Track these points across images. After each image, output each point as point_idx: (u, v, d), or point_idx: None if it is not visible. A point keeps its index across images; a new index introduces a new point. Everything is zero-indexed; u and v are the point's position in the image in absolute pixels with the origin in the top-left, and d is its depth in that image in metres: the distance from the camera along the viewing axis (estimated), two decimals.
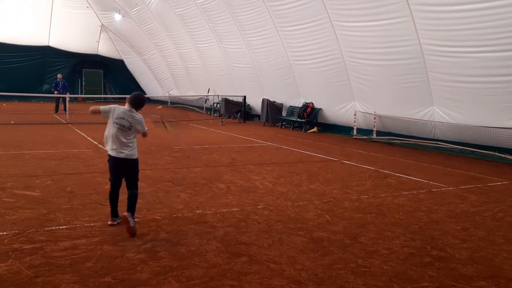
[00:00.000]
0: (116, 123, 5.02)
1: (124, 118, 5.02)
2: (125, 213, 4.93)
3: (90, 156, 9.92)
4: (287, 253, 4.53)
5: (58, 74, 23.39)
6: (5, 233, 4.85)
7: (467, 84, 11.36)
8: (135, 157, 5.15)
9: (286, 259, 4.37)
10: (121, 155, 5.04)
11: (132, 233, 4.86)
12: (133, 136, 5.13)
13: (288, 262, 4.29)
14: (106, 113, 5.09)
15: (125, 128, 5.03)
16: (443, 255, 4.61)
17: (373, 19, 12.79)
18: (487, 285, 3.94)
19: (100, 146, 11.54)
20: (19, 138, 12.51)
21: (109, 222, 5.24)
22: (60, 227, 5.10)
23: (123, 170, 5.17)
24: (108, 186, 7.11)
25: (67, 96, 19.97)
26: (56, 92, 21.98)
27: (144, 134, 5.26)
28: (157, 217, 5.61)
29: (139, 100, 5.22)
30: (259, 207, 6.25)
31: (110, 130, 5.07)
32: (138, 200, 6.31)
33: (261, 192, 7.09)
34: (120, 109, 5.08)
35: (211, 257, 4.37)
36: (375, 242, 4.92)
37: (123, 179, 5.22)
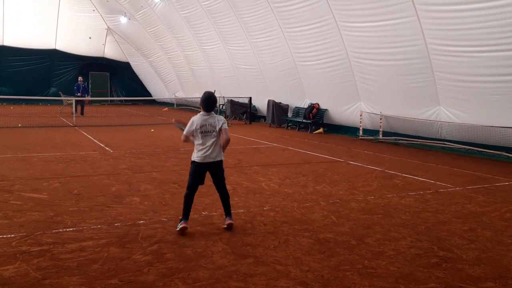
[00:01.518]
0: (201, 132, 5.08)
1: (205, 125, 5.08)
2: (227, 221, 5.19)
3: (97, 159, 9.98)
4: (293, 254, 4.53)
5: (79, 77, 23.42)
6: (13, 235, 4.89)
7: (473, 83, 11.30)
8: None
9: (292, 260, 4.37)
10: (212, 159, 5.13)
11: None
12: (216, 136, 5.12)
13: (294, 264, 4.28)
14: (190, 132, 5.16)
15: (210, 133, 5.08)
16: (450, 256, 4.58)
17: (379, 19, 12.76)
18: (494, 286, 3.92)
19: (107, 148, 11.60)
20: (26, 141, 12.60)
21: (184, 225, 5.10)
22: (67, 229, 5.13)
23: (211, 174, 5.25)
24: (114, 188, 7.18)
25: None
26: (78, 94, 22.13)
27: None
28: (163, 219, 5.63)
29: (208, 101, 5.15)
30: (265, 208, 6.25)
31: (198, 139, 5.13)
32: (144, 202, 6.38)
33: (267, 194, 7.09)
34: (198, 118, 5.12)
35: (217, 258, 4.37)
36: (381, 243, 4.90)
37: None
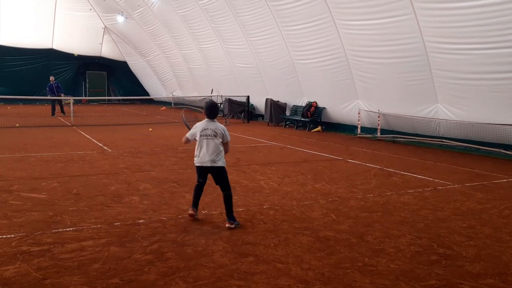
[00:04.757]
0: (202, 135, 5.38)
1: (207, 129, 5.38)
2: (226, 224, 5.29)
3: (96, 158, 9.96)
4: (294, 252, 4.54)
5: (50, 77, 23.11)
6: (12, 235, 4.88)
7: (471, 81, 11.32)
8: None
9: (292, 258, 4.38)
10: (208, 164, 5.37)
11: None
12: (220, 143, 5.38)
13: (294, 262, 4.29)
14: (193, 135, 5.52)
15: (211, 137, 5.34)
16: (449, 253, 4.60)
17: (376, 17, 12.76)
18: (494, 282, 3.93)
19: (105, 147, 11.59)
20: (24, 141, 12.57)
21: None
22: (67, 229, 5.13)
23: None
24: (113, 188, 7.17)
25: (69, 98, 20.06)
26: (50, 95, 22.01)
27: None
28: (163, 218, 5.63)
29: (211, 109, 5.48)
30: (264, 207, 6.25)
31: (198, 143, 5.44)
32: (144, 201, 6.38)
33: (266, 192, 7.09)
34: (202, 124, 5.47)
35: (217, 257, 4.38)
36: (381, 241, 4.92)
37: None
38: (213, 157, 5.29)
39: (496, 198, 6.99)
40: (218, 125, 5.41)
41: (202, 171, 5.45)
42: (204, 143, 5.32)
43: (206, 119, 5.44)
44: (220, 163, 5.34)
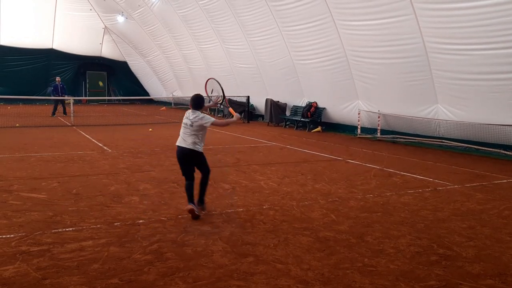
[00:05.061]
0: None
1: (187, 118, 5.89)
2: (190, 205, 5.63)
3: (95, 158, 9.96)
4: (294, 253, 4.53)
5: (57, 78, 23.32)
6: (12, 235, 4.88)
7: (471, 81, 11.31)
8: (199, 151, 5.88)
9: (292, 259, 4.37)
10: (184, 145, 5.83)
11: (195, 216, 5.61)
12: (198, 130, 5.79)
13: (294, 262, 4.29)
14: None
15: (187, 126, 5.84)
16: (449, 253, 4.60)
17: (376, 17, 12.76)
18: (494, 283, 3.93)
19: (105, 148, 11.59)
20: (24, 141, 12.57)
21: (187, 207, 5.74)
22: (67, 229, 5.12)
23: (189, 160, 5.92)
24: (113, 188, 7.17)
25: (70, 98, 20.06)
26: (55, 95, 22.07)
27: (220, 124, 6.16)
28: (163, 218, 5.63)
29: (195, 102, 5.95)
30: (264, 207, 6.25)
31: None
32: (143, 201, 6.38)
33: (266, 192, 7.09)
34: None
35: (217, 257, 4.38)
36: (381, 241, 4.92)
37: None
38: (187, 143, 5.76)
39: (496, 198, 6.99)
40: (197, 115, 5.77)
41: (179, 154, 5.84)
42: (182, 130, 5.87)
43: (191, 109, 5.92)
44: (192, 146, 5.75)
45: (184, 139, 5.79)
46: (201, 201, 5.92)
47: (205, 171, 5.92)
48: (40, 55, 30.51)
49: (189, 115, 5.82)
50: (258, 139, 14.14)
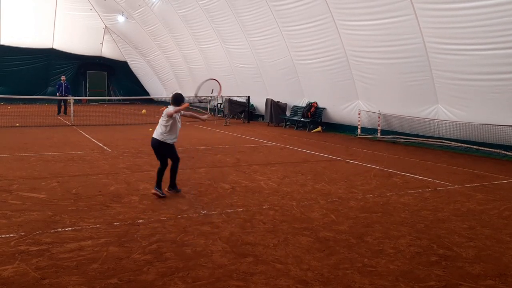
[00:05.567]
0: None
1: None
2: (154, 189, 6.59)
3: (95, 158, 9.95)
4: (293, 253, 4.53)
5: (62, 76, 23.55)
6: (11, 235, 4.87)
7: (471, 82, 11.31)
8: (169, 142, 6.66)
9: (292, 259, 4.37)
10: (155, 135, 6.68)
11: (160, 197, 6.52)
12: (165, 122, 6.54)
13: (294, 262, 4.28)
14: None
15: (161, 119, 6.64)
16: (449, 254, 4.59)
17: (377, 17, 12.75)
18: (494, 283, 3.92)
19: (105, 147, 11.58)
20: (24, 140, 12.57)
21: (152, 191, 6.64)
22: (66, 229, 5.12)
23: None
24: (112, 188, 7.17)
25: (70, 98, 20.07)
26: (58, 94, 22.19)
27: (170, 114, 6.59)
28: (163, 218, 5.62)
29: (173, 98, 6.76)
30: (264, 207, 6.24)
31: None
32: (143, 201, 6.37)
33: (266, 192, 7.08)
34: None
35: (217, 257, 4.37)
36: (381, 242, 4.91)
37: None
38: (157, 134, 6.58)
39: (496, 199, 6.98)
40: (168, 109, 6.57)
41: (151, 141, 6.67)
42: (159, 122, 6.65)
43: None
44: (160, 137, 6.53)
45: (156, 130, 6.63)
46: (172, 185, 6.86)
47: (174, 159, 6.74)
48: (40, 55, 30.52)
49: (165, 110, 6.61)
50: (258, 139, 14.13)
